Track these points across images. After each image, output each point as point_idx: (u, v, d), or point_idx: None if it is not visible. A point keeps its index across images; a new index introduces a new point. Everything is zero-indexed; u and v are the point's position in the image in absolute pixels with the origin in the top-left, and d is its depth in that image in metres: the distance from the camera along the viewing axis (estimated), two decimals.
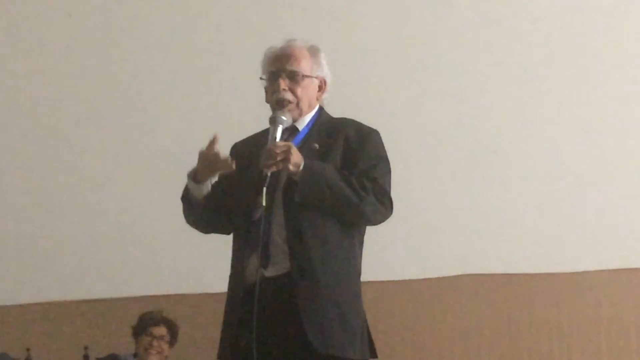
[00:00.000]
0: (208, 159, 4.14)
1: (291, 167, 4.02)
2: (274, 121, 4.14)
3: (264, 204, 4.06)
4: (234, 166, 4.13)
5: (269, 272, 4.05)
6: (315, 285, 4.04)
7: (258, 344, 3.98)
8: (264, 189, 4.06)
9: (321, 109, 4.36)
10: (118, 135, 7.92)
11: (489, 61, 7.51)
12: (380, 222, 4.21)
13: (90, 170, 7.89)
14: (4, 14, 7.93)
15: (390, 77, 7.59)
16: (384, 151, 4.27)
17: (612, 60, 7.38)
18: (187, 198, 4.30)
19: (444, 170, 7.54)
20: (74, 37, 7.87)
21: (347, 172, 4.11)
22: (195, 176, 4.19)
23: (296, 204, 4.06)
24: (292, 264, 4.04)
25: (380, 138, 4.28)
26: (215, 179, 4.25)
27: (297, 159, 4.03)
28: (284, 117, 4.15)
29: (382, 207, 4.13)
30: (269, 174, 4.04)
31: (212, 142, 4.13)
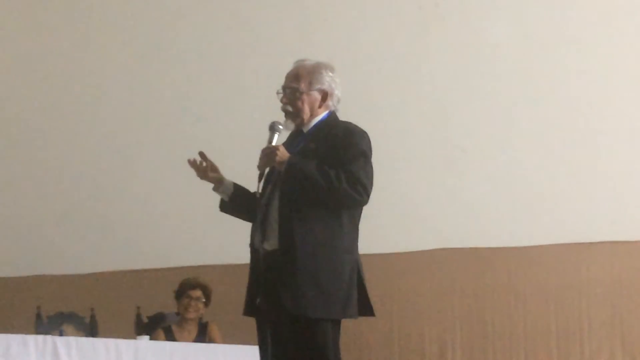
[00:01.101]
0: (200, 171, 4.58)
1: (277, 164, 4.39)
2: (271, 128, 4.50)
3: (257, 194, 4.46)
4: (211, 173, 4.55)
5: (267, 247, 4.40)
6: (293, 258, 4.31)
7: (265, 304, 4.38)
8: (259, 182, 4.45)
9: (330, 113, 4.54)
10: (164, 138, 8.69)
11: (461, 79, 8.18)
12: (355, 206, 4.42)
13: (147, 170, 8.71)
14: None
15: (383, 91, 8.27)
16: (366, 148, 4.44)
17: (566, 66, 8.05)
18: (221, 207, 4.68)
19: (424, 164, 8.21)
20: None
21: (326, 166, 4.33)
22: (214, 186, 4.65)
23: (290, 193, 4.38)
24: (279, 241, 4.37)
25: (365, 137, 4.46)
26: (224, 186, 4.60)
27: (281, 157, 4.37)
28: (280, 126, 4.49)
29: (355, 193, 4.33)
30: (266, 170, 4.48)
31: (194, 161, 4.55)
